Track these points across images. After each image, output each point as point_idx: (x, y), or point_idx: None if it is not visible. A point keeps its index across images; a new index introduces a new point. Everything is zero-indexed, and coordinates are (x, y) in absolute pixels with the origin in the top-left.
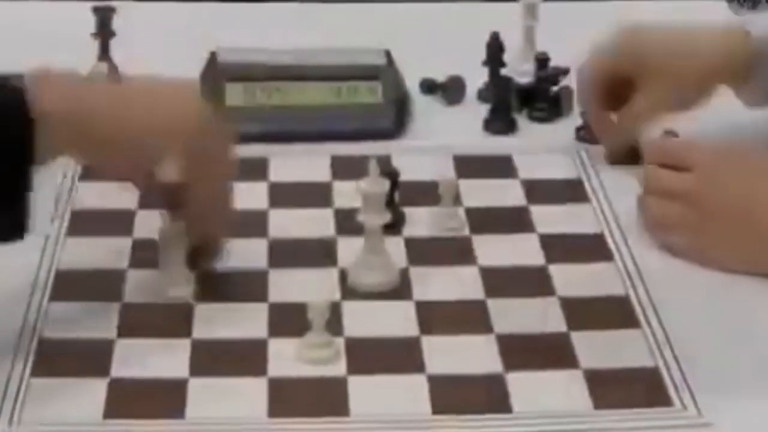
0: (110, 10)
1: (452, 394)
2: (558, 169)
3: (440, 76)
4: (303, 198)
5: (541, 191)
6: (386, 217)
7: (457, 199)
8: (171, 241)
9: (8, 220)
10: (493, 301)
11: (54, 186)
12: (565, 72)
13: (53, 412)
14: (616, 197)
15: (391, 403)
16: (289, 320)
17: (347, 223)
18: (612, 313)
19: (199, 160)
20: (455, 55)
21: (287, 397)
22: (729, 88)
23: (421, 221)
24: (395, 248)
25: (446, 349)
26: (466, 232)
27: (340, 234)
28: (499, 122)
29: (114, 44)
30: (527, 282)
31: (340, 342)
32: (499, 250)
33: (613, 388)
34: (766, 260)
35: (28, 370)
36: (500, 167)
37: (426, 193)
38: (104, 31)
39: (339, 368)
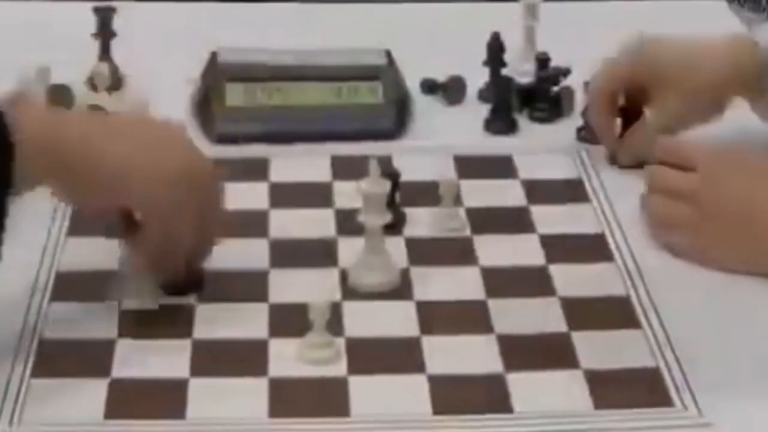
0: (111, 11)
1: (453, 394)
2: (558, 169)
3: (441, 76)
4: (304, 198)
5: (541, 191)
6: (387, 217)
7: (457, 200)
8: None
9: None
10: (494, 302)
11: None
12: (565, 72)
13: (54, 413)
14: (616, 197)
15: (391, 403)
16: (290, 320)
17: (348, 223)
18: (612, 313)
19: (179, 209)
20: (456, 55)
21: (288, 398)
22: (744, 100)
23: (421, 221)
24: (396, 248)
25: (447, 350)
26: (467, 232)
27: (340, 234)
28: (500, 122)
29: (115, 44)
30: (528, 282)
31: (340, 342)
32: (499, 251)
33: (614, 389)
34: (765, 261)
35: (28, 371)
36: (501, 167)
37: (427, 194)
38: (105, 32)
39: (340, 368)
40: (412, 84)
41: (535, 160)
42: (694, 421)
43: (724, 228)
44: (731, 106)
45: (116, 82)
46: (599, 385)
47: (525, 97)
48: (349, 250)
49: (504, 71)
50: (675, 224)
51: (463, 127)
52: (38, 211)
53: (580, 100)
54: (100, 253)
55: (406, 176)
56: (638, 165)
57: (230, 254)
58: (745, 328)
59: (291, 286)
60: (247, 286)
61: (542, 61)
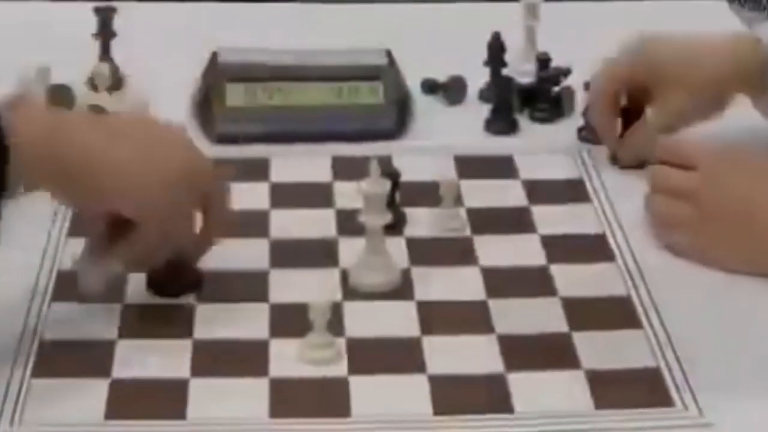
0: (111, 11)
1: (453, 394)
2: (559, 169)
3: (441, 77)
4: (304, 198)
5: (542, 191)
6: (387, 217)
7: (458, 200)
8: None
9: None
10: (495, 302)
11: None
12: (566, 72)
13: (54, 413)
14: (617, 197)
15: (392, 403)
16: (291, 321)
17: (348, 223)
18: (613, 313)
19: (179, 209)
20: (456, 55)
21: (288, 398)
22: (746, 97)
23: (422, 222)
24: (396, 249)
25: (447, 350)
26: (468, 232)
27: (341, 234)
28: (501, 122)
29: (115, 45)
30: (528, 282)
31: (341, 342)
32: (500, 251)
33: (615, 389)
34: (766, 261)
35: (29, 371)
36: (501, 167)
37: (427, 194)
38: (105, 32)
39: (340, 369)
40: (413, 84)
41: (536, 160)
42: (694, 421)
43: (725, 228)
44: (732, 104)
45: (117, 82)
46: (600, 385)
47: (526, 97)
48: (350, 250)
49: (505, 71)
50: (676, 224)
51: (463, 127)
52: (38, 212)
53: (580, 100)
54: None
55: (406, 176)
56: (640, 165)
57: (231, 254)
58: (746, 328)
59: (292, 286)
60: (247, 286)
61: (543, 61)
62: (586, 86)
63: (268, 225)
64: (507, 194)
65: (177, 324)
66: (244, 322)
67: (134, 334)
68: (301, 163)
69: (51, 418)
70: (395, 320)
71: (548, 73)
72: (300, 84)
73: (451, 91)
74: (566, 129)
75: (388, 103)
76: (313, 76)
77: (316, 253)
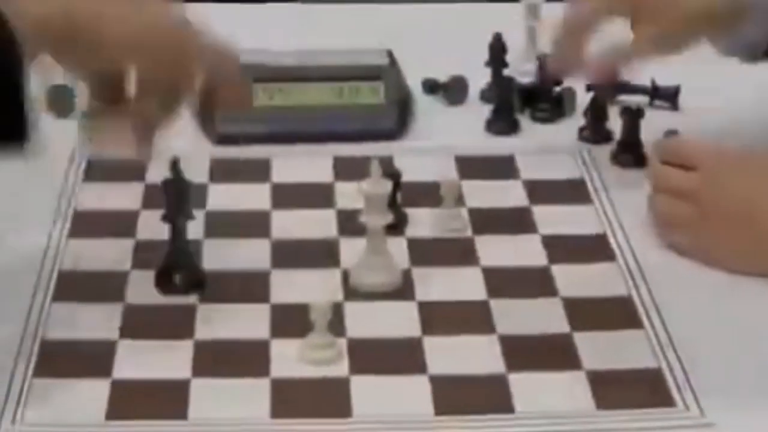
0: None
1: (454, 394)
2: (560, 169)
3: (442, 77)
4: (305, 199)
5: (543, 192)
6: (388, 217)
7: (459, 200)
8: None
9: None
10: (496, 302)
11: (56, 187)
12: None
13: (56, 413)
14: (618, 198)
15: (393, 403)
16: (292, 321)
17: (349, 223)
18: (615, 313)
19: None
20: (457, 55)
21: (290, 398)
22: (710, 36)
23: (423, 222)
24: (397, 249)
25: (448, 350)
26: (469, 232)
27: (342, 235)
28: (502, 123)
29: None
30: (530, 282)
31: (342, 343)
32: (501, 251)
33: (616, 389)
34: (766, 261)
35: (30, 371)
36: (502, 168)
37: (428, 194)
38: None
39: (341, 369)
40: (414, 84)
41: (537, 160)
42: (696, 421)
43: (726, 228)
44: (698, 44)
45: None
46: (601, 385)
47: (527, 97)
48: (351, 250)
49: (506, 71)
50: (677, 224)
51: (464, 128)
52: (39, 212)
53: (581, 100)
54: (102, 254)
55: (407, 177)
56: (639, 163)
57: (232, 255)
58: (748, 329)
59: (292, 286)
60: (248, 287)
61: (544, 61)
62: (587, 87)
63: (269, 225)
64: (508, 194)
65: (178, 324)
66: (245, 322)
67: (135, 335)
68: (302, 164)
69: (52, 418)
70: (396, 320)
71: (549, 73)
72: (301, 84)
73: (452, 91)
74: (567, 129)
75: (389, 104)
76: (313, 77)
77: (317, 254)
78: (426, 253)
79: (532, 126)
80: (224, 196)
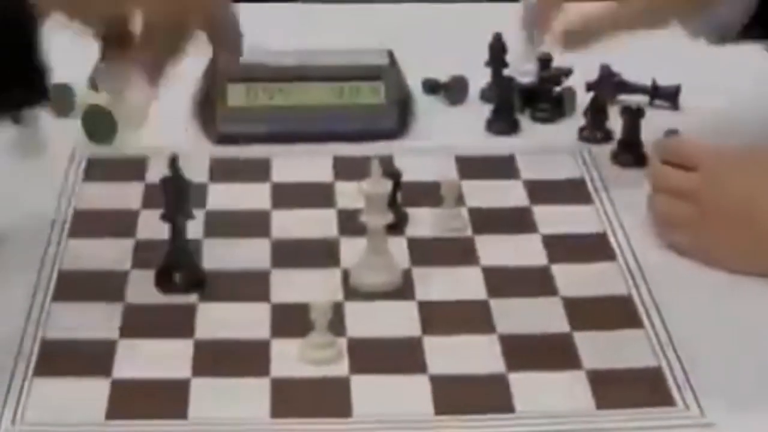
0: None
1: (455, 394)
2: (561, 169)
3: (443, 77)
4: (305, 198)
5: (543, 191)
6: (389, 217)
7: (459, 200)
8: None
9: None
10: (496, 302)
11: (56, 186)
12: (567, 72)
13: (56, 413)
14: (618, 197)
15: (393, 403)
16: (292, 320)
17: (350, 223)
18: (615, 313)
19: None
20: (458, 55)
21: (290, 398)
22: (688, 15)
23: (423, 222)
24: (398, 249)
25: (448, 350)
26: (469, 232)
27: (342, 234)
28: (502, 122)
29: None
30: (530, 282)
31: (342, 342)
32: (501, 251)
33: (616, 388)
34: (766, 260)
35: (30, 371)
36: (503, 167)
37: (428, 194)
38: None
39: (341, 368)
40: (414, 84)
41: (537, 160)
42: (696, 421)
43: (726, 227)
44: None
45: None
46: (601, 385)
47: (527, 97)
48: (351, 250)
49: (506, 71)
50: (677, 224)
51: (464, 128)
52: (40, 211)
53: (582, 100)
54: (102, 253)
55: (407, 176)
56: (639, 163)
57: (232, 254)
58: (748, 328)
59: (293, 286)
60: (249, 286)
61: (544, 61)
62: (588, 86)
63: (270, 225)
64: (508, 194)
65: (178, 324)
66: (245, 321)
67: (135, 334)
68: (302, 163)
69: (52, 418)
70: (396, 320)
71: (549, 73)
72: (301, 84)
73: (453, 91)
74: (567, 129)
75: (389, 103)
76: (314, 76)
77: (317, 253)
78: (426, 252)
79: (532, 126)
80: (224, 196)
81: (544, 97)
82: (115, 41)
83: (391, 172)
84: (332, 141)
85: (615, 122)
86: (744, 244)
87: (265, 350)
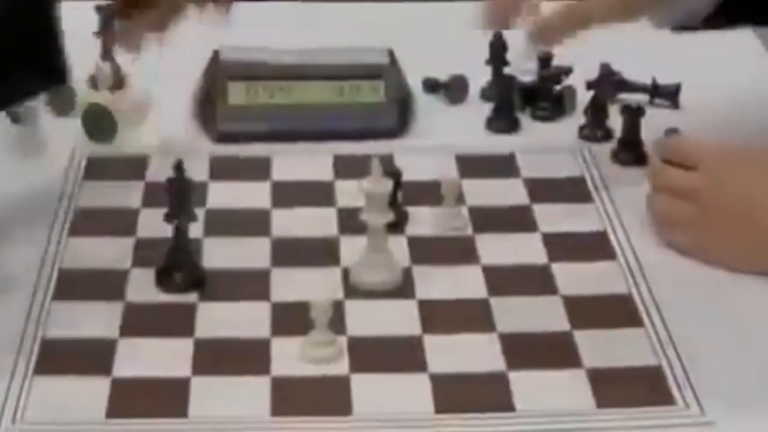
0: (113, 10)
1: (455, 392)
2: (561, 167)
3: (443, 75)
4: (306, 197)
5: (544, 190)
6: (389, 216)
7: (459, 199)
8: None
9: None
10: (496, 300)
11: (57, 185)
12: (567, 71)
13: (56, 412)
14: (619, 196)
15: (393, 401)
16: (292, 319)
17: (350, 222)
18: (615, 311)
19: None
20: (458, 54)
21: (290, 396)
22: (653, 8)
23: (423, 220)
24: (398, 247)
25: (449, 348)
26: (469, 231)
27: (342, 233)
28: (502, 121)
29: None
30: (530, 281)
31: (342, 341)
32: (501, 249)
33: (616, 387)
34: (766, 259)
35: (30, 370)
36: (503, 166)
37: (429, 193)
38: (107, 31)
39: (342, 367)
40: (414, 83)
41: (538, 158)
42: (696, 419)
43: (726, 226)
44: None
45: (118, 82)
46: (601, 383)
47: (527, 95)
48: (352, 248)
49: (506, 70)
50: (677, 223)
51: (465, 126)
52: (40, 210)
53: (582, 98)
54: (102, 252)
55: (408, 175)
56: (639, 161)
57: (232, 253)
58: (748, 327)
59: (293, 284)
60: (249, 285)
61: (544, 60)
62: (588, 85)
63: (270, 224)
64: (508, 193)
65: (178, 322)
66: (245, 320)
67: (136, 333)
68: (303, 162)
69: (52, 417)
70: (397, 319)
71: (549, 71)
72: (301, 83)
73: (453, 90)
74: (568, 127)
75: (389, 102)
76: (314, 75)
77: (317, 252)
78: (426, 251)
79: (532, 124)
80: (224, 195)
81: (544, 96)
82: (127, 6)
83: (391, 170)
84: (332, 140)
85: (615, 121)
86: (744, 243)
87: (265, 349)
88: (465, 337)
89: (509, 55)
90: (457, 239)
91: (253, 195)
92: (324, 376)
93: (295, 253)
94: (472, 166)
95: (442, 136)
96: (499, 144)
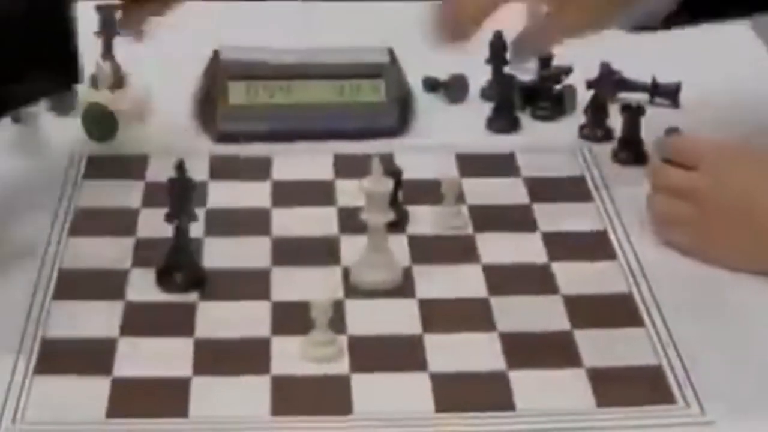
0: (113, 9)
1: (455, 392)
2: (561, 167)
3: (443, 75)
4: (306, 196)
5: (544, 189)
6: (389, 215)
7: (460, 198)
8: None
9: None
10: (496, 299)
11: (57, 185)
12: (567, 71)
13: (56, 411)
14: (619, 195)
15: (394, 401)
16: (292, 318)
17: (350, 221)
18: (615, 311)
19: None
20: (458, 53)
21: (290, 395)
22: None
23: (424, 220)
24: (398, 246)
25: (449, 347)
26: (469, 230)
27: (343, 232)
28: (502, 120)
29: (117, 43)
30: (530, 280)
31: (343, 340)
32: (502, 248)
33: (616, 386)
34: (766, 258)
35: (31, 369)
36: (503, 165)
37: (429, 192)
38: (107, 30)
39: (342, 366)
40: (415, 82)
41: (538, 158)
42: (696, 419)
43: (726, 225)
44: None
45: (118, 81)
46: (601, 382)
47: (527, 95)
48: (352, 248)
49: (506, 69)
50: (677, 222)
51: (465, 126)
52: (40, 210)
53: (582, 98)
54: (102, 251)
55: (408, 174)
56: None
57: (232, 252)
58: (748, 326)
59: (293, 284)
60: (249, 284)
61: (544, 59)
62: (588, 84)
63: (270, 223)
64: (509, 192)
65: (179, 322)
66: (245, 320)
67: (136, 332)
68: (303, 161)
69: (52, 417)
70: (397, 318)
71: (550, 71)
72: (302, 82)
73: (453, 89)
74: (568, 127)
75: (389, 101)
76: (314, 74)
77: (317, 251)
78: (427, 250)
79: (532, 124)
80: (225, 194)
81: (544, 95)
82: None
83: (391, 170)
84: (333, 139)
85: (615, 120)
86: (744, 242)
87: (265, 348)
88: (465, 337)
89: (509, 54)
90: (457, 238)
91: (253, 194)
92: (324, 376)
93: (295, 252)
94: (473, 165)
95: (443, 136)
96: (499, 143)
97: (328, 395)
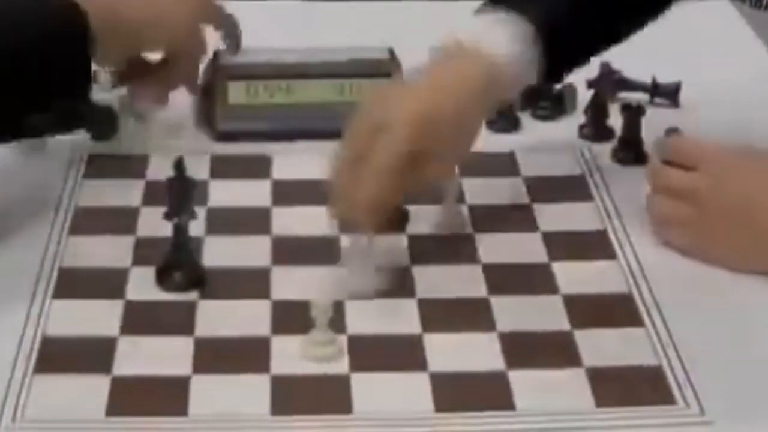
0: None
1: (455, 391)
2: (561, 166)
3: None
4: (306, 196)
5: (544, 189)
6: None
7: (460, 197)
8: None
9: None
10: (496, 299)
11: (57, 184)
12: None
13: (56, 410)
14: (619, 195)
15: (393, 400)
16: (292, 318)
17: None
18: (615, 311)
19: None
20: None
21: (290, 395)
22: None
23: (424, 219)
24: (398, 246)
25: (449, 347)
26: (470, 230)
27: (343, 232)
28: (503, 120)
29: None
30: (530, 280)
31: (342, 339)
32: (502, 248)
33: (616, 386)
34: (766, 258)
35: (31, 368)
36: (503, 165)
37: (429, 192)
38: None
39: (342, 366)
40: None
41: (538, 157)
42: (696, 419)
43: (725, 226)
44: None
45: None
46: (601, 382)
47: (528, 95)
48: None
49: None
50: (677, 223)
51: None
52: (40, 209)
53: (582, 98)
54: (102, 250)
55: None
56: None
57: (232, 251)
58: (748, 326)
59: (293, 283)
60: (249, 284)
61: None
62: (588, 84)
63: (270, 222)
64: (509, 192)
65: (179, 321)
66: (245, 319)
67: (136, 331)
68: (303, 161)
69: (52, 415)
70: (397, 318)
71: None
72: (302, 81)
73: None
74: (568, 127)
75: None
76: (315, 74)
77: (317, 251)
78: (427, 250)
79: (532, 123)
80: (225, 193)
81: (544, 95)
82: (131, 74)
83: None
84: (333, 138)
85: (615, 120)
86: (744, 242)
87: (265, 347)
88: (465, 336)
89: None
90: (457, 238)
91: (253, 194)
92: (324, 375)
93: (295, 251)
94: (473, 164)
95: None
96: (500, 143)
97: (328, 394)
